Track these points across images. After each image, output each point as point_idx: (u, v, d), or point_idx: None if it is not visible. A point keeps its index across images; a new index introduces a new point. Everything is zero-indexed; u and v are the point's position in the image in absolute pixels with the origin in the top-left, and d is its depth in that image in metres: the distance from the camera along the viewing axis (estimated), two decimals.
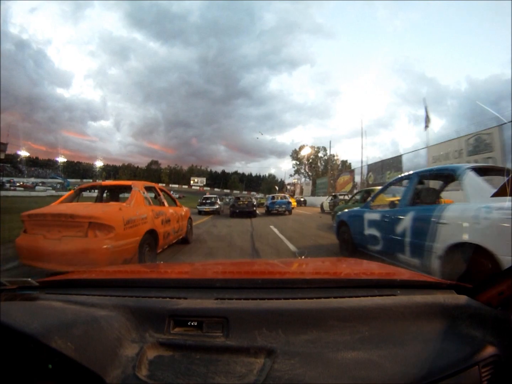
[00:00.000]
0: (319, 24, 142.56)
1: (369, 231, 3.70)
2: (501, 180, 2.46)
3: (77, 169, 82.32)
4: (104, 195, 4.87)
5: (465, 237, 2.17)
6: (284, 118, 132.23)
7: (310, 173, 59.26)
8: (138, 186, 3.99)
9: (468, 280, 0.95)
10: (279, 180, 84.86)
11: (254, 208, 14.14)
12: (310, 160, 61.82)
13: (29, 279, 0.93)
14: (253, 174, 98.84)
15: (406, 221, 2.92)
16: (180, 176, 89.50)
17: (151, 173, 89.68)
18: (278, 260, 2.30)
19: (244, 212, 13.96)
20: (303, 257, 1.77)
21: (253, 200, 15.18)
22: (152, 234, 3.72)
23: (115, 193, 4.92)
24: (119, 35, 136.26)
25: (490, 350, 0.69)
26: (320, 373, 0.63)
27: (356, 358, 0.66)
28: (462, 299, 0.85)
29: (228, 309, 0.80)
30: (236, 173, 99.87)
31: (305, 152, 60.45)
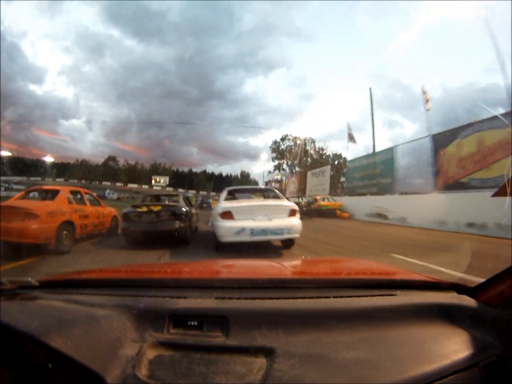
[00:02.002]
0: (298, 28, 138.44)
1: (211, 218, 6.69)
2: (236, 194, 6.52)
3: (25, 166, 71.42)
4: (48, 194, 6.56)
5: (215, 213, 5.19)
6: (258, 121, 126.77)
7: (296, 166, 46.74)
8: (64, 190, 5.93)
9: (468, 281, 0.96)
10: (253, 179, 79.68)
11: (182, 225, 5.90)
12: (294, 152, 48.70)
13: (29, 279, 0.93)
14: (224, 174, 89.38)
15: (215, 211, 5.66)
16: (141, 174, 79.26)
17: (108, 170, 78.96)
18: (278, 260, 2.30)
19: (153, 233, 5.72)
20: (303, 257, 1.77)
21: (181, 203, 6.61)
22: (69, 223, 5.41)
23: (52, 194, 6.39)
24: (96, 31, 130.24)
25: (490, 350, 0.69)
26: (320, 373, 0.63)
27: (356, 358, 0.66)
28: (462, 299, 0.85)
29: (228, 309, 0.80)
30: (204, 172, 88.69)
31: (288, 143, 49.62)
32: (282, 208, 4.89)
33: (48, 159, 68.20)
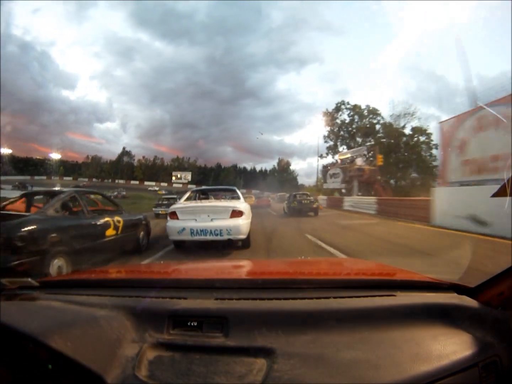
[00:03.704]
0: (328, 22, 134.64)
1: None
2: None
3: (29, 164, 67.92)
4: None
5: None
6: (292, 118, 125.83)
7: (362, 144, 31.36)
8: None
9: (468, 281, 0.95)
10: (294, 171, 69.36)
11: (23, 260, 2.78)
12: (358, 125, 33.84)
13: (29, 279, 0.93)
14: (258, 169, 79.63)
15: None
16: (161, 171, 72.18)
17: (122, 167, 71.26)
18: (278, 260, 2.30)
19: None
20: (303, 257, 1.77)
21: (46, 212, 3.49)
22: None
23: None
24: (124, 36, 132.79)
25: (489, 351, 0.69)
26: (319, 373, 0.63)
27: (356, 359, 0.66)
28: (462, 299, 0.85)
29: (228, 309, 0.80)
30: (234, 167, 77.97)
31: (346, 116, 33.59)
32: (224, 209, 4.98)
33: (55, 156, 59.12)
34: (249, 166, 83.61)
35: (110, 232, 4.29)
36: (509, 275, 0.79)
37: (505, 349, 0.70)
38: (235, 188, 6.67)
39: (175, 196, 15.62)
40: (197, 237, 4.79)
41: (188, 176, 68.68)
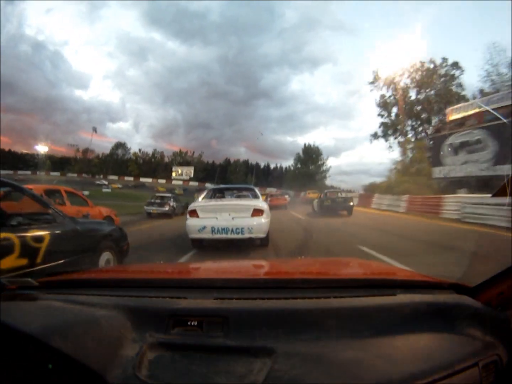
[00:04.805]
0: (340, 20, 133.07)
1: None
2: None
3: (14, 158, 63.10)
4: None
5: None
6: (306, 119, 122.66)
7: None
8: (36, 189, 5.77)
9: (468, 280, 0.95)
10: (324, 163, 52.78)
11: None
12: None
13: (29, 279, 0.93)
14: (272, 167, 72.52)
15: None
16: (160, 166, 66.22)
17: (116, 162, 65.34)
18: (278, 260, 2.31)
19: None
20: (303, 257, 1.77)
21: None
22: None
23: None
24: (137, 35, 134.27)
25: (490, 350, 0.69)
26: (320, 373, 0.63)
27: (356, 358, 0.66)
28: (462, 299, 0.85)
29: (228, 309, 0.80)
30: (245, 163, 69.04)
31: (406, 80, 23.58)
32: (245, 207, 5.04)
33: (42, 148, 52.47)
34: (262, 163, 76.41)
35: (11, 262, 2.02)
36: (509, 275, 0.79)
37: (505, 349, 0.70)
38: (253, 187, 6.73)
39: (169, 195, 15.23)
40: (217, 236, 4.80)
41: (190, 171, 60.88)
